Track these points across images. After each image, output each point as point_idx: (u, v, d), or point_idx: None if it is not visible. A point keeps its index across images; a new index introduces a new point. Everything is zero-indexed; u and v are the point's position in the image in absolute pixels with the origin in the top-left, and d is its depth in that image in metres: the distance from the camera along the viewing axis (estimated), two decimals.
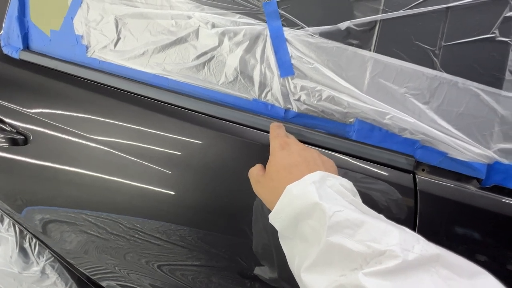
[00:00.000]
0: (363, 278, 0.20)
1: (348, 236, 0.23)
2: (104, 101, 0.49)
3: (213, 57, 0.44)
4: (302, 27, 0.40)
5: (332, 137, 0.41)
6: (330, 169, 0.31)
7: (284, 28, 0.41)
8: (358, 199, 0.28)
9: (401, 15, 0.37)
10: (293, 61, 0.41)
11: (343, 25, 0.38)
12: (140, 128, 0.47)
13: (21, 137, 0.52)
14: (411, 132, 0.38)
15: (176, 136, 0.45)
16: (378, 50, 0.38)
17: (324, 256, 0.23)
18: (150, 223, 0.48)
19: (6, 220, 0.69)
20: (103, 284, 0.67)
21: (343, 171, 0.40)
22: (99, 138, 0.48)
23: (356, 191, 0.30)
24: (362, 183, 0.39)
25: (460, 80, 0.36)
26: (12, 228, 0.70)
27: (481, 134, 0.37)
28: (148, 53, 0.47)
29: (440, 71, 0.37)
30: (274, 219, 0.29)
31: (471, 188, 0.38)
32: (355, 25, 0.38)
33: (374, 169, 0.40)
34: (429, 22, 0.36)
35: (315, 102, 0.41)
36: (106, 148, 0.48)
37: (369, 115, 0.39)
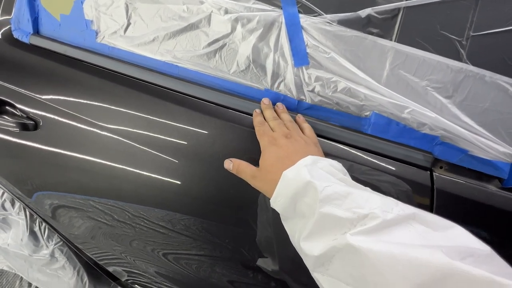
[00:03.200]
0: (350, 237, 0.23)
1: (337, 206, 0.26)
2: (113, 88, 0.48)
3: (225, 44, 0.43)
4: (320, 14, 0.38)
5: (347, 130, 0.39)
6: (318, 155, 0.34)
7: (300, 15, 0.39)
8: (348, 178, 0.31)
9: (427, 2, 0.34)
10: (308, 50, 0.39)
11: (364, 12, 0.36)
12: (148, 116, 0.46)
13: (31, 122, 0.52)
14: (431, 127, 0.36)
15: (185, 125, 0.45)
16: (400, 40, 0.36)
17: (318, 226, 0.26)
18: (156, 211, 0.48)
19: (17, 204, 0.71)
20: (110, 269, 0.69)
21: (357, 166, 0.38)
22: (107, 125, 0.48)
23: (346, 171, 0.33)
24: (377, 179, 0.38)
25: (487, 73, 0.34)
26: (22, 211, 0.71)
27: (507, 131, 0.35)
28: (158, 39, 0.46)
29: (466, 63, 0.34)
30: (274, 202, 0.32)
31: (492, 188, 0.36)
32: (376, 12, 0.36)
33: (390, 166, 0.38)
34: (457, 10, 0.34)
35: (330, 93, 0.40)
36: (113, 136, 0.48)
37: (387, 108, 0.37)
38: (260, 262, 0.46)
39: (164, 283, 0.61)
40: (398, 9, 0.35)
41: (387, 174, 0.38)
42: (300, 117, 0.40)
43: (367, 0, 0.36)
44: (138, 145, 0.46)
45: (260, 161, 0.36)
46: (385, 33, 0.37)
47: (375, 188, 0.31)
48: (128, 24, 0.47)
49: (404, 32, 0.36)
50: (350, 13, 0.37)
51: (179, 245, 0.50)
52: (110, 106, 0.48)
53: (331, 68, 0.39)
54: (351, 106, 0.39)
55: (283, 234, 0.43)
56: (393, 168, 0.38)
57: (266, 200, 0.42)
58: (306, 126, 0.38)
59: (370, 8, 0.36)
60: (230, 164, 0.39)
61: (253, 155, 0.40)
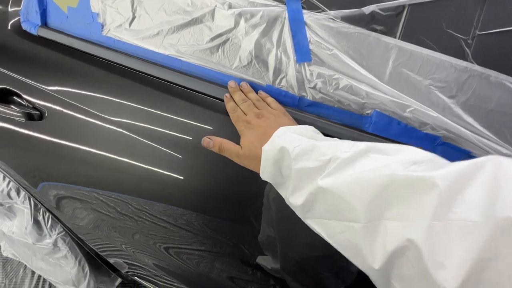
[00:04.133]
0: (320, 181, 0.27)
1: (306, 160, 0.30)
2: (118, 80, 0.49)
3: (228, 39, 0.43)
4: (323, 10, 0.38)
5: (347, 128, 0.39)
6: (289, 123, 0.38)
7: (304, 11, 0.39)
8: (319, 135, 0.35)
9: None
10: (311, 47, 0.39)
11: (368, 9, 0.36)
12: (151, 110, 0.46)
13: (37, 112, 0.53)
14: (433, 127, 0.36)
15: (187, 120, 0.45)
16: (404, 38, 0.35)
17: (297, 180, 0.30)
18: (158, 205, 0.48)
19: (22, 192, 0.72)
20: (111, 260, 0.69)
21: None
22: (110, 117, 0.48)
23: (318, 131, 0.36)
24: None
25: (493, 73, 0.33)
26: (27, 200, 0.72)
27: (511, 133, 0.34)
28: (162, 33, 0.46)
29: (471, 62, 0.34)
30: (263, 174, 0.35)
31: None
32: (381, 9, 0.35)
33: None
34: (464, 8, 0.33)
35: (331, 91, 0.39)
36: (117, 128, 0.48)
37: (389, 107, 0.37)
38: (260, 259, 0.47)
39: (164, 277, 0.62)
40: (403, 6, 0.35)
41: None
42: (262, 93, 0.42)
43: None
44: (142, 139, 0.47)
45: (242, 143, 0.39)
46: (389, 31, 0.36)
47: None
48: (133, 18, 0.48)
49: (409, 29, 0.35)
50: (354, 10, 0.37)
51: (180, 239, 0.50)
52: (114, 99, 0.49)
53: (333, 65, 0.38)
54: (352, 104, 0.39)
55: (286, 233, 0.43)
56: None
57: (269, 197, 0.42)
58: (271, 100, 0.41)
59: (374, 5, 0.36)
60: (210, 142, 0.40)
61: None
